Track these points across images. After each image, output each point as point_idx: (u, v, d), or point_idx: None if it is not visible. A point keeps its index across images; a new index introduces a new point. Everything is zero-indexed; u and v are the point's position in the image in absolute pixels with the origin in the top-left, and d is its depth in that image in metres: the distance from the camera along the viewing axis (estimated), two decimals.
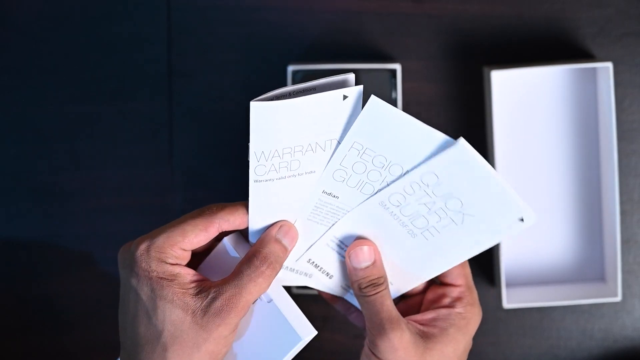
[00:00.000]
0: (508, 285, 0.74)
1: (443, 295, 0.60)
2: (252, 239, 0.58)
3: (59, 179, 0.78)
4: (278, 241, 0.57)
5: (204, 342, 0.54)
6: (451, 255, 0.58)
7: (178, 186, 0.77)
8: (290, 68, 0.72)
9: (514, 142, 0.75)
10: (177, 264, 0.56)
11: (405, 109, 0.75)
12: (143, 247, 0.56)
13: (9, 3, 0.77)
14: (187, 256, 0.57)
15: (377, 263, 0.58)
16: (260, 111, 0.53)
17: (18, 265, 0.79)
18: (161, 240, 0.56)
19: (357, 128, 0.53)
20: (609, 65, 0.71)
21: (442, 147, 0.52)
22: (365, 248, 0.58)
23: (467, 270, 0.60)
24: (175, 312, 0.55)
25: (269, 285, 0.56)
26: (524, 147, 0.75)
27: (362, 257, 0.58)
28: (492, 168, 0.52)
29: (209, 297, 0.55)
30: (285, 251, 0.57)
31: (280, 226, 0.57)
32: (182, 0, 0.76)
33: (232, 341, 0.56)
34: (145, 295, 0.55)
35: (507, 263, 0.75)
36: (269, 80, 0.76)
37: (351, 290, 0.61)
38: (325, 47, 0.76)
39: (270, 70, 0.76)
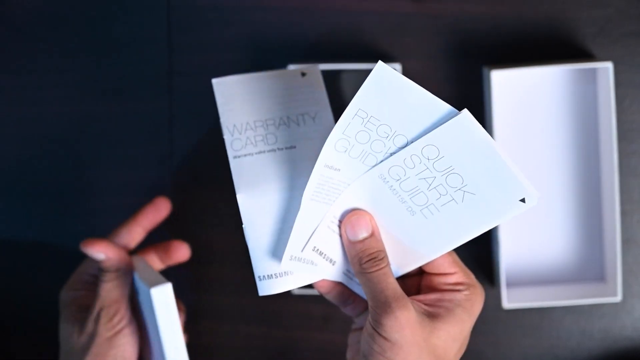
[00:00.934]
0: (508, 285, 0.74)
1: (440, 283, 0.58)
2: (244, 219, 0.56)
3: (59, 179, 0.78)
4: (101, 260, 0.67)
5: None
6: (451, 236, 0.55)
7: (178, 186, 0.77)
8: (291, 68, 0.72)
9: (514, 142, 0.75)
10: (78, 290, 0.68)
11: None
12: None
13: (9, 3, 0.77)
14: (117, 263, 0.67)
15: (375, 235, 0.56)
16: (222, 87, 0.55)
17: (18, 265, 0.79)
18: (77, 270, 0.70)
19: (362, 94, 0.51)
20: (609, 65, 0.71)
21: (446, 118, 0.51)
22: (361, 217, 0.56)
23: (455, 256, 0.58)
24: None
25: (119, 287, 0.66)
26: (524, 146, 0.75)
27: (358, 228, 0.56)
28: (495, 142, 0.51)
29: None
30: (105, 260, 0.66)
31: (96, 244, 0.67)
32: (182, 0, 0.76)
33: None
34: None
35: (507, 263, 0.75)
36: None
37: (352, 275, 0.59)
38: (325, 47, 0.76)
39: (271, 70, 0.76)
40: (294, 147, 0.55)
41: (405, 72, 0.75)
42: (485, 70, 0.74)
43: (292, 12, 0.76)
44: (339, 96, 0.73)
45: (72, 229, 0.78)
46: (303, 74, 0.55)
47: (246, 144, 0.56)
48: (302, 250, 0.56)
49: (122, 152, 0.77)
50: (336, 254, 0.57)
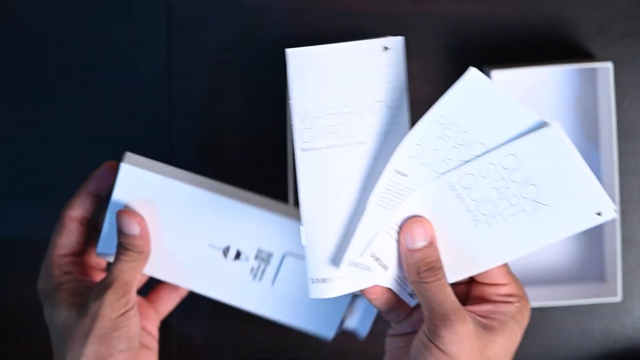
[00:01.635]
0: None
1: (492, 293, 0.56)
2: (305, 218, 0.54)
3: (59, 179, 0.78)
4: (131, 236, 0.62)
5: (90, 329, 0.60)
6: (514, 247, 0.54)
7: None
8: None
9: None
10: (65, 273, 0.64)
11: None
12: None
13: (9, 3, 0.77)
14: (77, 244, 0.64)
15: (433, 244, 0.54)
16: (299, 59, 0.51)
17: (18, 265, 0.78)
18: (47, 256, 0.65)
19: (447, 100, 0.51)
20: (609, 65, 0.71)
21: (533, 129, 0.50)
22: (421, 225, 0.54)
23: (508, 266, 0.57)
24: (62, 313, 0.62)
25: (134, 270, 0.61)
26: None
27: (417, 236, 0.54)
28: (581, 156, 0.50)
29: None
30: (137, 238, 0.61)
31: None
32: (182, 0, 0.76)
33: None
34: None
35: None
36: (269, 80, 0.76)
37: (403, 282, 0.57)
38: None
39: (271, 70, 0.76)
40: (364, 142, 0.53)
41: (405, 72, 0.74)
42: (485, 70, 0.74)
43: (292, 12, 0.76)
44: None
45: None
46: (385, 48, 0.51)
47: (315, 135, 0.52)
48: (360, 256, 0.54)
49: (122, 152, 0.77)
50: (390, 260, 0.56)
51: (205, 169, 0.77)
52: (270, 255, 0.64)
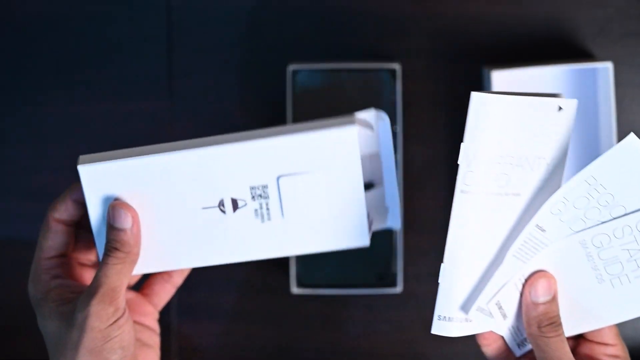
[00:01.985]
0: None
1: (600, 352, 0.58)
2: (448, 255, 0.56)
3: (59, 179, 0.78)
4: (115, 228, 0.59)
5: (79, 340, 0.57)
6: (633, 307, 0.56)
7: None
8: (291, 68, 0.72)
9: None
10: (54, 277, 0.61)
11: (405, 109, 0.75)
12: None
13: (9, 3, 0.77)
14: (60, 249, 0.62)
15: (555, 299, 0.56)
16: (481, 103, 0.53)
17: (18, 265, 0.79)
18: (35, 260, 0.62)
19: (601, 162, 0.53)
20: (609, 65, 0.71)
21: None
22: (546, 280, 0.56)
23: (617, 328, 0.59)
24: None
25: (122, 273, 0.58)
26: None
27: (541, 290, 0.56)
28: None
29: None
30: (127, 234, 0.58)
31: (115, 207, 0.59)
32: (182, 0, 0.76)
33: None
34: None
35: None
36: (269, 80, 0.76)
37: (516, 332, 0.59)
38: (325, 47, 0.76)
39: (270, 70, 0.76)
40: (519, 194, 0.55)
41: (405, 72, 0.75)
42: (485, 70, 0.74)
43: (292, 12, 0.76)
44: (338, 96, 0.73)
45: None
46: (560, 108, 0.53)
47: (478, 181, 0.54)
48: (487, 303, 0.56)
49: None
50: (511, 309, 0.57)
51: None
52: (265, 187, 0.59)
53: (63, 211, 0.61)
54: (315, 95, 0.73)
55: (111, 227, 0.58)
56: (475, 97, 0.54)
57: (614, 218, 0.54)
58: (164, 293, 0.67)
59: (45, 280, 0.61)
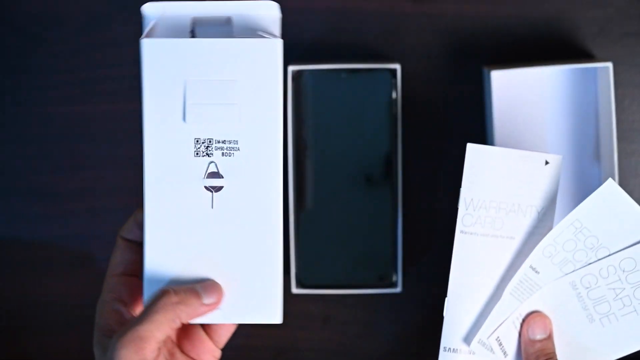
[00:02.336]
0: None
1: None
2: (451, 291, 0.60)
3: (59, 179, 0.78)
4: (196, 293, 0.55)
5: None
6: (622, 345, 0.60)
7: None
8: (291, 68, 0.72)
9: (514, 142, 0.75)
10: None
11: (405, 109, 0.75)
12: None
13: (9, 3, 0.77)
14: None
15: (551, 338, 0.60)
16: (476, 154, 0.59)
17: (18, 265, 0.78)
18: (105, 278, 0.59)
19: (585, 206, 0.58)
20: (609, 65, 0.71)
21: None
22: (541, 320, 0.60)
23: None
24: None
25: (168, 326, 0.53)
26: (524, 146, 0.75)
27: (537, 329, 0.60)
28: None
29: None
30: (200, 301, 0.54)
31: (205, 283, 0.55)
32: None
33: None
34: None
35: None
36: None
37: None
38: (325, 47, 0.76)
39: None
40: (513, 238, 0.60)
41: (405, 72, 0.75)
42: (485, 70, 0.74)
43: (292, 12, 0.76)
44: (338, 96, 0.73)
45: (72, 229, 0.78)
46: (547, 162, 0.60)
47: (475, 222, 0.60)
48: (488, 337, 0.60)
49: (122, 152, 0.77)
50: (511, 348, 0.61)
51: None
52: (233, 143, 0.56)
53: (129, 232, 0.60)
54: (315, 96, 0.73)
55: (195, 299, 0.55)
56: (471, 148, 0.60)
57: (599, 259, 0.58)
58: (225, 330, 0.60)
59: (106, 302, 0.58)
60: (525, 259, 0.59)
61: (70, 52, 0.77)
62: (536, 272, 0.59)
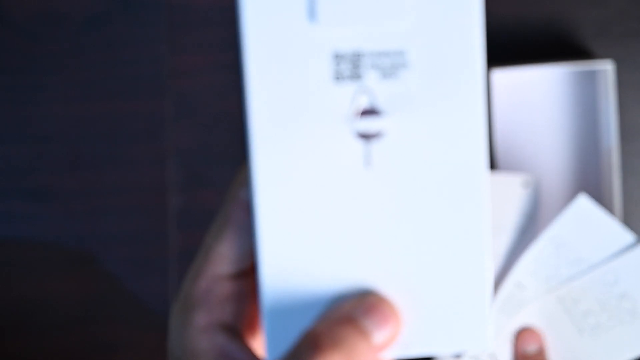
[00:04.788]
0: None
1: None
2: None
3: (59, 179, 0.78)
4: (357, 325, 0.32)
5: None
6: (614, 355, 0.61)
7: (178, 186, 0.77)
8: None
9: (514, 142, 0.75)
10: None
11: None
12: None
13: (9, 3, 0.77)
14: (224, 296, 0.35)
15: (543, 351, 0.61)
16: None
17: (18, 265, 0.79)
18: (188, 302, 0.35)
19: (560, 223, 0.60)
20: (609, 65, 0.71)
21: (629, 248, 0.59)
22: (533, 335, 0.61)
23: None
24: None
25: None
26: (524, 146, 0.75)
27: (532, 343, 0.61)
28: None
29: None
30: (368, 342, 0.32)
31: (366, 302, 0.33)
32: (182, 0, 0.76)
33: None
34: None
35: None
36: None
37: None
38: None
39: None
40: (498, 255, 0.61)
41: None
42: (485, 71, 0.74)
43: None
44: None
45: (72, 229, 0.78)
46: (524, 185, 0.62)
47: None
48: (481, 352, 0.62)
49: (122, 152, 0.77)
50: None
51: (205, 169, 0.77)
52: (398, 56, 0.33)
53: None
54: None
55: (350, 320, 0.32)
56: None
57: (582, 272, 0.60)
58: None
59: (198, 331, 0.34)
60: (509, 276, 0.61)
61: (70, 52, 0.77)
62: (522, 288, 0.61)
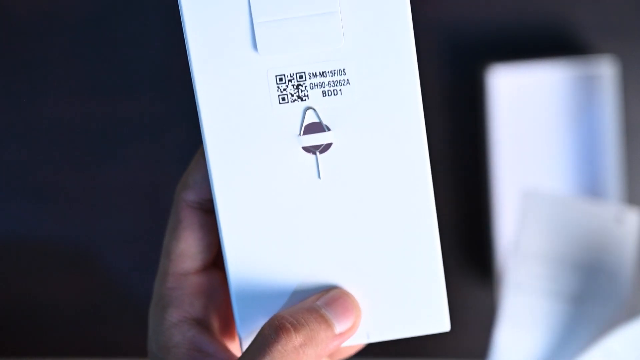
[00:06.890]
0: None
1: None
2: (498, 354, 0.55)
3: (59, 179, 0.78)
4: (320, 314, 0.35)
5: None
6: None
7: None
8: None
9: (514, 142, 0.75)
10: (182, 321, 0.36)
11: None
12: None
13: (9, 3, 0.77)
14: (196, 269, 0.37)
15: None
16: (531, 202, 0.53)
17: (18, 265, 0.79)
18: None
19: (623, 337, 0.52)
20: (609, 65, 0.71)
21: None
22: None
23: None
24: None
25: None
26: (524, 146, 0.75)
27: None
28: None
29: None
30: (331, 331, 0.35)
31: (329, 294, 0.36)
32: None
33: None
34: None
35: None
36: None
37: None
38: None
39: None
40: (580, 300, 0.53)
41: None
42: (485, 70, 0.74)
43: None
44: None
45: (72, 229, 0.78)
46: (618, 221, 0.51)
47: (529, 276, 0.53)
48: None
49: (122, 152, 0.77)
50: None
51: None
52: (338, 74, 0.36)
53: (196, 189, 0.38)
54: None
55: (324, 324, 0.35)
56: (524, 195, 0.53)
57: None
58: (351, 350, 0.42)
59: (171, 325, 0.36)
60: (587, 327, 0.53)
61: (70, 52, 0.77)
62: None
